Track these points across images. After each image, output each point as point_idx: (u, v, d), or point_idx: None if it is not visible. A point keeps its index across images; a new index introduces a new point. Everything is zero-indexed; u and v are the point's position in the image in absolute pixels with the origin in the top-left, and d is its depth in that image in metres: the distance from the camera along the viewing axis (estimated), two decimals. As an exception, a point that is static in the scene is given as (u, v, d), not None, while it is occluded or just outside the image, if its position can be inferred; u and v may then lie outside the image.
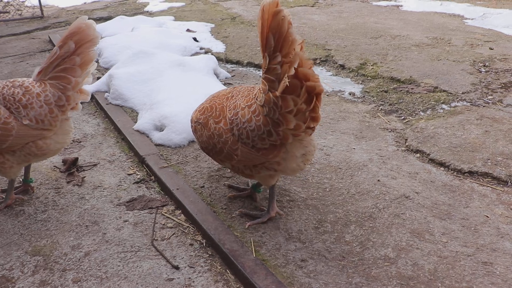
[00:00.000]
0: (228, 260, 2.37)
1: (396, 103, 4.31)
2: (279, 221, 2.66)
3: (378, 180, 3.05)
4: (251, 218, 2.69)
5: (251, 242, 2.49)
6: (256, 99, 2.30)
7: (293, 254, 2.41)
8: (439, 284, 2.22)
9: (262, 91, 2.23)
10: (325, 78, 5.02)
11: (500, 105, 4.17)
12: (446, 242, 2.50)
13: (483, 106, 4.15)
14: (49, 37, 7.13)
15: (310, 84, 2.11)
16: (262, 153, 2.38)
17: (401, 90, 4.60)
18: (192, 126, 2.75)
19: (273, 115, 2.23)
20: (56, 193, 3.07)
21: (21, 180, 3.09)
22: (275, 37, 2.04)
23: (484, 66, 5.14)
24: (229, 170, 3.14)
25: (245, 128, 2.36)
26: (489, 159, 3.25)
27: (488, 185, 3.01)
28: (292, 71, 2.05)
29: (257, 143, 2.36)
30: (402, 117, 4.02)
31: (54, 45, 6.69)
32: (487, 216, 2.70)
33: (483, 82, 4.70)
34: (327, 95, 4.55)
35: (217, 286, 2.29)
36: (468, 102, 4.27)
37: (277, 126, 2.26)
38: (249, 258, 2.33)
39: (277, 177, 2.60)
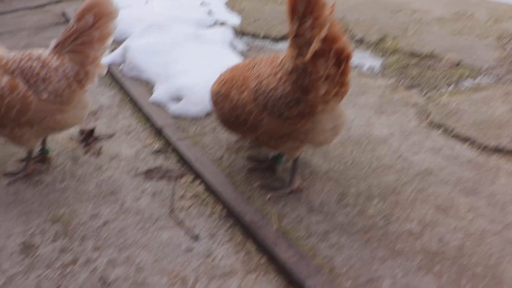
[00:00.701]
0: (249, 231, 2.34)
1: (417, 78, 4.19)
2: (300, 194, 2.61)
3: (400, 155, 2.98)
4: (271, 190, 2.64)
5: (272, 213, 2.45)
6: (283, 67, 2.23)
7: (316, 227, 2.37)
8: (466, 261, 2.17)
9: (289, 58, 2.16)
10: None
11: (526, 81, 4.04)
12: (472, 219, 2.44)
13: (509, 83, 4.02)
14: (62, 11, 7.05)
15: (339, 46, 2.03)
16: (289, 122, 2.32)
17: (422, 65, 4.47)
18: (212, 99, 2.66)
19: (302, 82, 2.16)
20: (74, 163, 3.04)
21: (38, 150, 3.06)
22: (305, 1, 1.96)
23: (510, 41, 4.97)
24: (248, 142, 3.07)
25: (271, 96, 2.28)
26: (515, 136, 3.15)
27: (514, 162, 2.92)
28: (323, 34, 1.97)
29: (284, 112, 2.29)
30: (424, 92, 3.91)
31: (67, 19, 6.60)
32: (514, 194, 2.63)
33: (509, 58, 4.54)
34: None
35: (238, 257, 2.26)
36: (493, 78, 4.14)
37: (306, 94, 2.19)
38: (270, 230, 2.29)
39: (302, 149, 2.53)
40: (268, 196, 2.57)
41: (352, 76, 4.17)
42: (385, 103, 3.72)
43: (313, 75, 2.12)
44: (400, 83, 4.11)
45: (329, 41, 2.03)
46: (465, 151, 3.04)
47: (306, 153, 2.98)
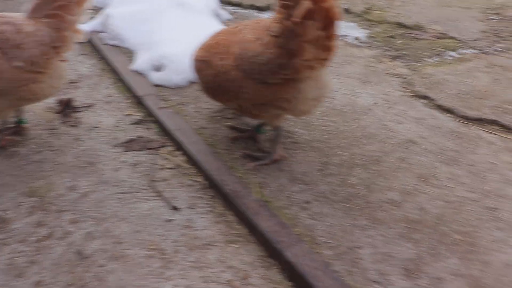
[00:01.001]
0: (230, 201, 2.31)
1: (402, 49, 4.15)
2: (282, 163, 2.59)
3: (384, 125, 2.96)
4: (253, 159, 2.60)
5: (253, 183, 2.42)
6: (269, 31, 2.17)
7: (297, 196, 2.35)
8: (446, 228, 2.18)
9: (277, 21, 2.10)
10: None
11: (511, 53, 4.02)
12: (453, 187, 2.45)
13: (493, 54, 4.01)
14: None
15: (326, 5, 1.98)
16: (273, 89, 2.27)
17: (407, 36, 4.44)
18: (194, 65, 2.59)
19: (289, 46, 2.10)
20: (51, 134, 2.96)
21: (14, 120, 2.96)
22: None
23: (496, 13, 4.95)
24: (231, 111, 3.02)
25: (256, 62, 2.23)
26: (497, 107, 3.16)
27: (495, 132, 2.93)
28: None
29: (268, 78, 2.24)
30: (409, 63, 3.88)
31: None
32: (494, 163, 2.63)
33: (494, 30, 4.53)
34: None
35: (218, 228, 2.24)
36: (478, 49, 4.12)
37: (292, 58, 2.14)
38: (251, 199, 2.27)
39: (283, 118, 2.50)
40: (250, 166, 2.53)
41: (337, 46, 4.16)
42: (370, 73, 3.68)
43: (301, 37, 2.07)
44: (385, 53, 4.07)
45: (318, 1, 1.98)
46: (448, 121, 3.04)
47: (289, 122, 2.94)
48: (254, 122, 2.88)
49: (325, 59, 2.15)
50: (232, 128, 2.89)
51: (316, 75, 2.25)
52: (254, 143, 2.77)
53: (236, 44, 2.35)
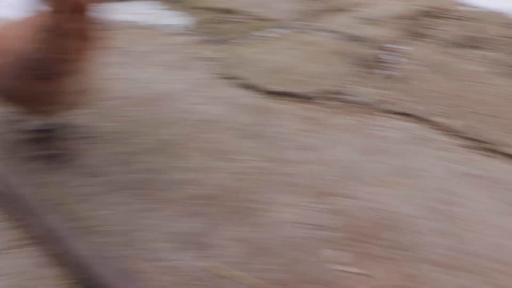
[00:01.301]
0: (13, 204, 2.20)
1: (221, 33, 4.28)
2: (73, 158, 2.52)
3: (189, 108, 3.02)
4: (46, 159, 2.50)
5: (44, 183, 2.33)
6: (38, 26, 2.09)
7: (86, 189, 2.31)
8: (245, 199, 2.30)
9: (43, 16, 2.02)
10: (151, 10, 4.78)
11: (317, 30, 4.39)
12: (253, 160, 2.60)
13: (302, 32, 4.33)
14: None
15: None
16: (43, 85, 2.18)
17: (228, 21, 4.59)
18: None
19: (54, 40, 2.03)
20: None
21: None
22: None
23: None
24: (23, 112, 2.85)
25: (25, 59, 2.12)
26: (300, 80, 3.43)
27: (296, 103, 3.17)
28: None
29: (38, 75, 2.15)
30: (224, 46, 4.01)
31: None
32: (293, 133, 2.85)
33: (309, 10, 4.88)
34: (151, 28, 4.35)
35: (6, 235, 2.11)
36: (290, 28, 4.42)
37: (57, 53, 2.07)
38: (35, 199, 2.18)
39: (63, 112, 2.44)
40: (37, 165, 2.44)
41: (157, 35, 4.16)
42: (187, 59, 3.73)
43: (62, 31, 2.00)
44: (204, 38, 4.16)
45: None
46: (253, 98, 3.21)
47: (86, 116, 2.84)
48: (45, 121, 2.75)
49: (89, 51, 2.13)
50: (22, 130, 2.72)
51: (85, 67, 2.22)
52: (47, 143, 2.63)
53: (12, 40, 2.23)
